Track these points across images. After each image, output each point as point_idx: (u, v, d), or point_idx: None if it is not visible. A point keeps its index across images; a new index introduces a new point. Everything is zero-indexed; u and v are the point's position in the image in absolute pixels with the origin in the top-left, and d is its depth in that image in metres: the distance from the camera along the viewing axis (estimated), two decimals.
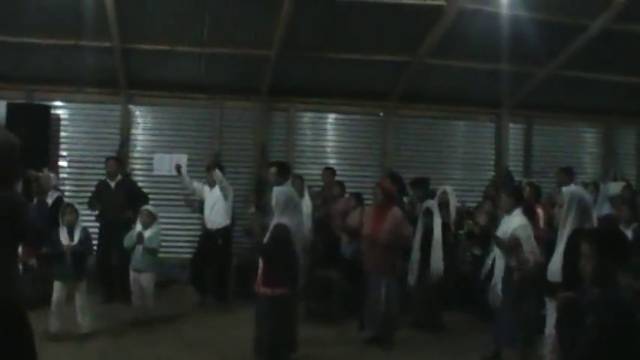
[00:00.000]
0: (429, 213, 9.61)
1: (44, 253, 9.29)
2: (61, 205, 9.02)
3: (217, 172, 10.75)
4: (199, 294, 11.07)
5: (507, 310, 7.72)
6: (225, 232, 11.14)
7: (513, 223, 7.88)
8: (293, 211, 7.73)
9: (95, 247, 10.90)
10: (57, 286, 8.65)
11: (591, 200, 6.21)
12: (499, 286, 7.87)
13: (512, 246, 7.67)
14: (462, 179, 13.71)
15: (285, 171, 10.33)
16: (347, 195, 11.24)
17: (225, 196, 10.88)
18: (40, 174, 4.92)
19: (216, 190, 10.99)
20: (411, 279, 9.47)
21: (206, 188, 11.16)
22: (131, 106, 13.08)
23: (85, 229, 8.94)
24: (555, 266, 6.21)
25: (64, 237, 8.67)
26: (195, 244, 11.69)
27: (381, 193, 8.86)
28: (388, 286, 8.56)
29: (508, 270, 7.75)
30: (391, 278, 8.62)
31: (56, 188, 10.71)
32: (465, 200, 12.00)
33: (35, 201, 7.66)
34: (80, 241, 8.71)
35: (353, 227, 9.83)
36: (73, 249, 8.62)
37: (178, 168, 11.17)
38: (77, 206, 9.09)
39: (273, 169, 10.25)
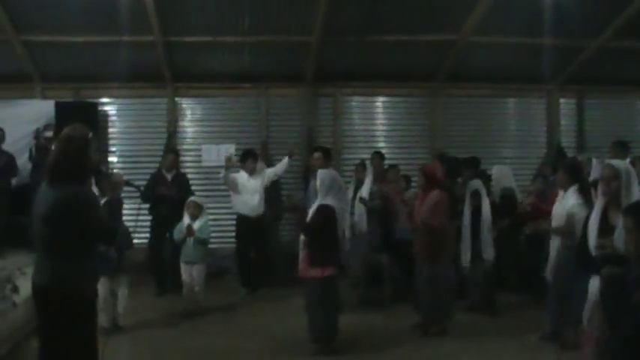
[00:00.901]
0: (476, 194, 9.46)
1: None
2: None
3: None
4: (248, 284, 11.14)
5: (565, 290, 7.60)
6: (264, 219, 11.30)
7: (569, 202, 7.74)
8: (337, 193, 7.78)
9: (147, 240, 11.05)
10: (101, 281, 8.69)
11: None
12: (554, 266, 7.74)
13: (568, 229, 7.52)
14: (513, 157, 13.40)
15: (329, 156, 10.32)
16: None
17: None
18: (111, 171, 5.10)
19: (257, 178, 11.09)
20: (464, 261, 9.34)
21: (243, 176, 11.14)
22: (177, 99, 13.15)
23: (125, 226, 8.97)
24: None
25: None
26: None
27: (422, 176, 8.70)
28: (430, 274, 8.36)
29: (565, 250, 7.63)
30: (432, 266, 8.37)
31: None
32: (517, 179, 11.81)
33: (105, 199, 7.71)
34: (119, 237, 8.74)
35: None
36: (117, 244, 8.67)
37: (228, 160, 11.12)
38: (126, 200, 9.17)
39: (317, 154, 10.23)
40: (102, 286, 8.53)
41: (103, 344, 5.98)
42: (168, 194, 10.79)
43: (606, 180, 5.63)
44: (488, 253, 9.32)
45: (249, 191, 11.08)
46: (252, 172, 11.11)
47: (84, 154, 4.78)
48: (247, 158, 11.19)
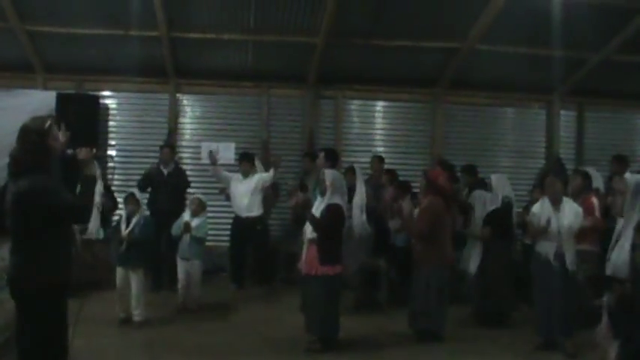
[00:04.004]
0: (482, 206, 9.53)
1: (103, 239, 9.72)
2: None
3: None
4: (237, 281, 11.30)
5: (563, 299, 7.66)
6: (261, 219, 11.39)
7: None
8: (342, 194, 7.95)
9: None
10: (118, 271, 8.86)
11: None
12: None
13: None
14: (512, 167, 13.44)
15: (333, 157, 10.34)
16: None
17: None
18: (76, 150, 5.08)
19: (252, 179, 11.21)
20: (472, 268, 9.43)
21: (237, 177, 11.32)
22: (179, 95, 13.12)
23: (144, 217, 9.09)
24: (621, 260, 5.91)
25: (123, 224, 8.89)
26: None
27: (424, 181, 8.72)
28: (426, 278, 8.33)
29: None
30: (430, 270, 8.34)
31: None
32: (514, 189, 11.82)
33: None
34: (138, 229, 8.81)
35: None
36: (128, 236, 8.76)
37: (211, 155, 11.23)
38: (124, 194, 9.28)
39: (321, 155, 10.27)
40: (118, 277, 8.66)
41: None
42: (159, 187, 11.00)
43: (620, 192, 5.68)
44: (475, 265, 9.41)
45: (241, 192, 11.25)
46: (246, 175, 11.22)
47: (41, 144, 4.83)
48: (242, 160, 11.39)
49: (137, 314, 8.77)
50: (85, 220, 5.32)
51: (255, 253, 11.50)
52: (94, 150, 5.30)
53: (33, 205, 4.68)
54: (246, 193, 11.21)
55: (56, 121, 5.08)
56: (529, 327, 8.60)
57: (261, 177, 11.32)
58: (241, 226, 11.32)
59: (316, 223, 7.80)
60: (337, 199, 7.77)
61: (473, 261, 9.43)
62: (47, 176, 4.80)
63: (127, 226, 8.86)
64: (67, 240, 5.07)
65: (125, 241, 8.77)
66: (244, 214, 11.24)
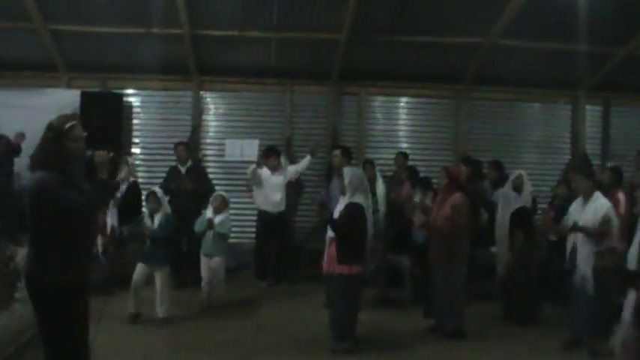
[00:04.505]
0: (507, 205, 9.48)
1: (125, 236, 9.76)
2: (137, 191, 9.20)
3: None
4: (264, 278, 11.32)
5: (591, 298, 7.58)
6: (286, 215, 11.41)
7: (601, 205, 7.75)
8: (364, 192, 7.82)
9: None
10: (138, 267, 8.86)
11: None
12: (586, 273, 7.69)
13: (605, 230, 7.54)
14: (537, 163, 13.35)
15: (348, 154, 10.38)
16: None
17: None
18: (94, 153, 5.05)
19: (280, 175, 11.22)
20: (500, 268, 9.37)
21: (266, 172, 11.23)
22: (202, 93, 13.13)
23: (165, 215, 9.08)
24: (631, 254, 5.93)
25: (148, 222, 8.93)
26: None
27: (446, 177, 8.64)
28: (446, 275, 8.35)
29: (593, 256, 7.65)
30: (451, 266, 8.34)
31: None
32: (540, 185, 11.74)
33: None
34: (159, 226, 8.84)
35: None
36: (152, 233, 8.79)
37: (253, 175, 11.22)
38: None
39: (336, 152, 10.25)
40: (137, 272, 8.71)
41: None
42: (176, 189, 10.89)
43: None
44: (503, 261, 9.34)
45: (271, 188, 11.19)
46: (274, 169, 11.17)
47: (55, 143, 4.80)
48: (270, 155, 11.27)
49: (161, 311, 8.80)
50: (84, 219, 5.14)
51: (280, 249, 11.47)
52: (111, 153, 5.23)
53: (34, 203, 4.70)
54: (278, 188, 11.22)
55: (79, 119, 5.09)
56: (553, 325, 8.55)
57: (294, 168, 11.38)
58: (270, 222, 11.28)
59: (333, 225, 7.78)
60: (357, 198, 7.69)
61: (499, 260, 9.37)
62: (54, 175, 4.76)
63: (152, 223, 8.90)
64: (81, 240, 4.99)
65: (148, 238, 8.81)
66: (275, 209, 11.22)
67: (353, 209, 7.65)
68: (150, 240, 8.83)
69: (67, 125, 4.86)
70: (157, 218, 8.93)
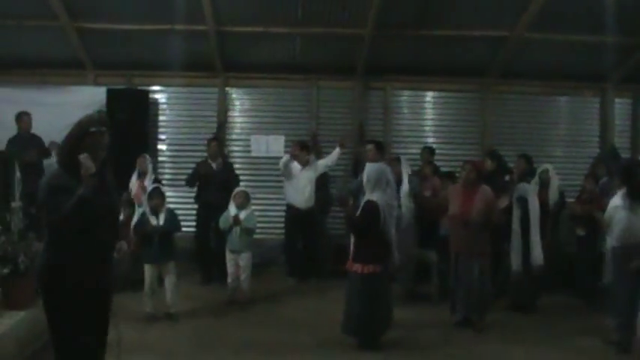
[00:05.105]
0: (523, 200, 9.35)
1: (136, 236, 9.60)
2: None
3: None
4: (295, 274, 11.31)
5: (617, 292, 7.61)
6: (315, 211, 11.37)
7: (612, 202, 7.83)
8: (384, 187, 7.69)
9: (194, 228, 11.14)
10: (147, 269, 8.83)
11: None
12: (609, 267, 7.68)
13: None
14: (564, 157, 13.23)
15: (381, 149, 10.26)
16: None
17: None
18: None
19: (310, 170, 11.16)
20: (515, 265, 9.25)
21: (296, 167, 11.21)
22: (228, 89, 13.14)
23: (169, 210, 9.10)
24: None
25: (151, 220, 8.87)
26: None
27: (472, 170, 8.60)
28: (482, 268, 8.33)
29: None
30: (482, 260, 8.35)
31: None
32: (568, 179, 11.63)
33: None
34: (165, 221, 8.86)
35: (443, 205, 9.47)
36: (160, 229, 8.78)
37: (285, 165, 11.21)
38: (174, 189, 9.30)
39: (369, 147, 10.17)
40: (148, 274, 8.67)
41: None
42: (207, 182, 10.97)
43: None
44: (537, 258, 9.21)
45: (301, 183, 11.15)
46: (304, 164, 11.14)
47: (75, 141, 4.74)
48: (301, 149, 11.26)
49: (172, 305, 8.84)
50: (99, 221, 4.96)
51: (309, 245, 11.46)
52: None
53: (38, 201, 4.70)
54: (307, 184, 11.19)
55: (106, 115, 5.04)
56: (578, 319, 8.53)
57: (324, 161, 11.36)
58: (299, 217, 11.28)
59: (349, 224, 7.85)
60: (375, 195, 7.60)
61: (515, 258, 9.29)
62: (62, 175, 4.72)
63: (157, 220, 8.88)
64: (95, 242, 4.81)
65: (156, 236, 8.78)
66: (304, 205, 11.20)
67: (369, 208, 7.58)
68: (157, 237, 8.79)
69: (94, 128, 4.76)
70: (162, 215, 8.90)
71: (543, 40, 12.15)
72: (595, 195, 10.03)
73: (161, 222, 8.85)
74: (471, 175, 8.62)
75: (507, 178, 10.53)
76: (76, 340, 4.73)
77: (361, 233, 7.61)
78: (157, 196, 8.99)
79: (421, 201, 10.09)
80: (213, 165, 11.22)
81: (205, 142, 11.71)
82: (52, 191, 4.65)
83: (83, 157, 4.64)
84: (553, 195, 10.27)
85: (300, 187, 11.17)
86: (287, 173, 11.23)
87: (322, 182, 11.68)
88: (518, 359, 7.62)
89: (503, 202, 9.17)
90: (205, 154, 11.54)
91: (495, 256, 8.93)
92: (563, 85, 13.37)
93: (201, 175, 11.15)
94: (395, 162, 10.36)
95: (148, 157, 11.10)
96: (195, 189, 11.32)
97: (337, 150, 11.28)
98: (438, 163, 12.03)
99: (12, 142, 10.98)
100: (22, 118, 11.17)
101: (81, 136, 4.73)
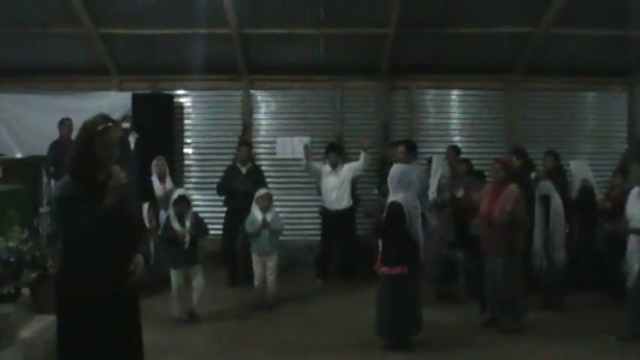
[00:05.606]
0: (545, 199, 9.25)
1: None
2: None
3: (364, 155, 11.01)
4: (323, 276, 11.25)
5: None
6: (350, 212, 11.27)
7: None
8: (406, 187, 7.65)
9: (221, 232, 11.15)
10: (173, 273, 8.83)
11: None
12: (631, 264, 7.58)
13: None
14: (592, 153, 13.04)
15: (413, 149, 10.20)
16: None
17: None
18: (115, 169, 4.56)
19: (342, 171, 11.08)
20: (536, 262, 9.15)
21: (326, 169, 11.15)
22: (252, 91, 13.14)
23: (195, 214, 9.10)
24: None
25: (175, 225, 8.84)
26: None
27: (501, 169, 8.54)
28: (506, 268, 8.24)
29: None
30: (509, 259, 8.25)
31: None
32: (595, 175, 11.50)
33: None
34: (192, 226, 8.87)
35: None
36: (188, 233, 8.77)
37: (306, 150, 11.14)
38: (200, 192, 9.29)
39: (401, 148, 10.11)
40: (174, 278, 8.66)
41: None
42: (241, 190, 10.77)
43: None
44: (559, 254, 9.12)
45: (332, 185, 11.12)
46: (334, 166, 11.11)
47: (87, 146, 4.45)
48: (330, 152, 11.24)
49: (196, 307, 8.85)
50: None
51: (340, 247, 11.40)
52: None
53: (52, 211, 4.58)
54: (335, 186, 11.12)
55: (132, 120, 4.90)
56: (607, 317, 8.52)
57: (351, 166, 11.23)
58: (329, 218, 11.26)
59: (374, 227, 7.87)
60: (399, 196, 7.56)
61: (537, 255, 9.19)
62: (72, 186, 4.45)
63: (182, 225, 8.87)
64: (112, 252, 4.52)
65: (185, 241, 8.77)
66: (333, 206, 11.16)
67: (391, 209, 7.55)
68: (189, 241, 8.80)
69: (101, 127, 4.45)
70: (188, 219, 8.88)
71: (569, 35, 12.04)
72: (624, 191, 9.90)
73: (187, 226, 8.84)
74: (500, 173, 8.55)
75: (533, 175, 10.41)
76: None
77: (386, 235, 7.60)
78: (183, 202, 8.97)
79: (452, 201, 10.04)
80: (243, 169, 11.17)
81: (233, 145, 11.76)
82: (67, 203, 4.41)
83: (114, 168, 4.47)
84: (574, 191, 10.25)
85: (329, 189, 11.14)
86: (315, 175, 11.29)
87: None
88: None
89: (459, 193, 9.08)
90: (231, 156, 11.53)
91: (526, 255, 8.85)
92: (589, 81, 13.23)
93: (230, 180, 11.09)
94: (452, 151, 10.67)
95: (163, 159, 11.13)
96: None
97: (362, 154, 11.15)
98: None
99: (52, 147, 11.08)
100: (64, 123, 11.27)
101: (89, 139, 4.46)
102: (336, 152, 11.28)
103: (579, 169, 10.51)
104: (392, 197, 7.63)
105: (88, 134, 4.47)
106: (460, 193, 10.01)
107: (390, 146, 11.58)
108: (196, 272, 8.87)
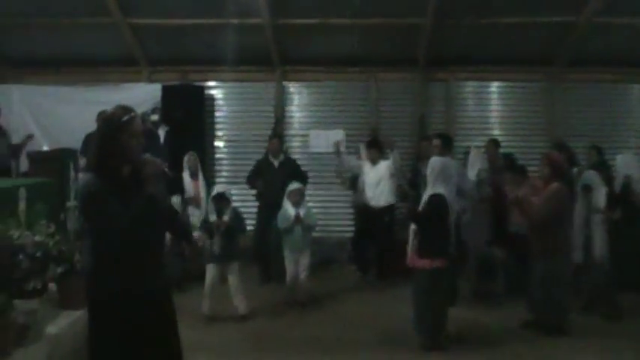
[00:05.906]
0: (587, 188, 8.84)
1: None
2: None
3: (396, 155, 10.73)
4: (361, 273, 11.02)
5: None
6: (390, 210, 10.95)
7: None
8: (447, 181, 7.49)
9: (254, 228, 10.93)
10: (209, 269, 8.65)
11: None
12: None
13: None
14: (637, 147, 12.61)
15: (448, 143, 9.88)
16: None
17: (398, 176, 10.84)
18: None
19: (381, 167, 10.78)
20: (576, 257, 8.76)
21: (366, 164, 10.87)
22: (285, 83, 12.92)
23: (234, 209, 8.89)
24: None
25: (213, 218, 8.66)
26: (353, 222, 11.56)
27: (547, 165, 8.16)
28: (546, 268, 7.88)
29: None
30: (550, 259, 7.87)
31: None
32: None
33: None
34: (234, 219, 8.68)
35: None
36: (226, 225, 8.56)
37: (337, 145, 10.87)
38: (232, 186, 9.14)
39: (436, 142, 9.81)
40: (209, 273, 8.46)
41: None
42: (270, 182, 10.61)
43: None
44: (599, 250, 8.71)
45: (370, 181, 10.84)
46: (374, 162, 10.83)
47: (112, 139, 4.28)
48: (371, 147, 10.94)
49: (242, 308, 8.66)
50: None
51: (377, 244, 11.05)
52: (166, 167, 4.50)
53: (79, 209, 4.39)
54: (374, 182, 10.84)
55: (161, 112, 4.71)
56: None
57: (387, 163, 10.94)
58: (367, 214, 10.99)
59: (413, 217, 7.63)
60: (440, 189, 7.37)
61: (576, 251, 8.79)
62: (98, 182, 4.24)
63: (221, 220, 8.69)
64: (141, 251, 4.35)
65: (220, 233, 8.57)
66: (372, 203, 10.87)
67: (435, 201, 7.35)
68: (221, 235, 8.58)
69: (125, 117, 4.30)
70: (227, 213, 8.67)
71: (612, 24, 11.69)
72: None
73: (226, 219, 8.65)
74: (545, 170, 8.19)
75: (575, 170, 10.06)
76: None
77: (427, 226, 7.39)
78: (224, 202, 8.75)
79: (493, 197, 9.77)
80: (275, 162, 10.95)
81: (265, 137, 11.61)
82: (99, 199, 4.19)
83: (147, 157, 4.35)
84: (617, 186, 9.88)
85: (368, 186, 10.87)
86: (351, 171, 11.18)
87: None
88: None
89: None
90: (264, 149, 11.33)
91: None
92: (635, 72, 12.78)
93: (262, 173, 10.91)
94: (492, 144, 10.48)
95: (196, 155, 10.91)
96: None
97: (394, 152, 10.86)
98: None
99: (87, 138, 10.82)
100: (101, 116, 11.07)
101: (115, 130, 4.29)
102: (377, 148, 10.95)
103: (625, 164, 10.12)
104: (432, 190, 7.43)
105: (112, 126, 4.31)
106: (521, 192, 9.62)
107: (423, 140, 11.29)
108: (232, 270, 8.66)
